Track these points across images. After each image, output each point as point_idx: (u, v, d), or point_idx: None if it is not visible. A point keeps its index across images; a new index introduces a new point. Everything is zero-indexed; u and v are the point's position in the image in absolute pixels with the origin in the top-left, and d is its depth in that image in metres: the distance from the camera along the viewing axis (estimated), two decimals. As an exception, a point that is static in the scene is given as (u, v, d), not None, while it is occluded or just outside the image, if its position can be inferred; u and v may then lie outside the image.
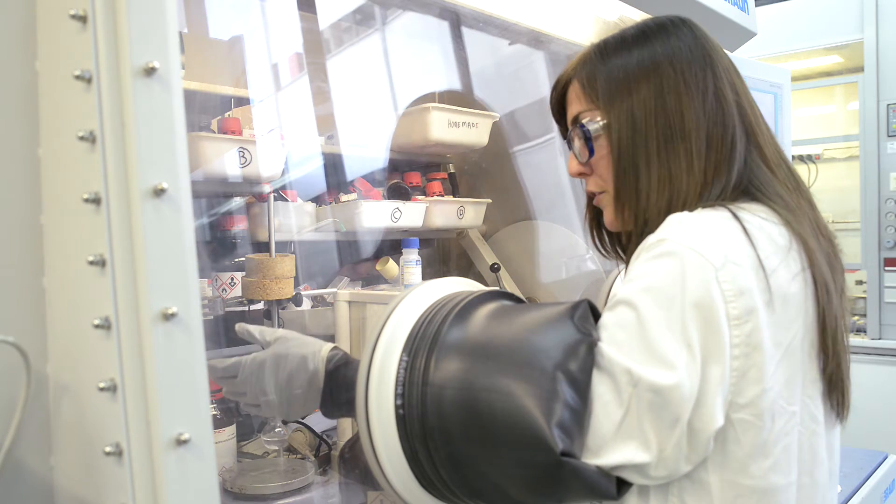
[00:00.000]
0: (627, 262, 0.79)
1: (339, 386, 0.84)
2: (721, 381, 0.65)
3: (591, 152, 0.82)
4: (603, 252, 0.92)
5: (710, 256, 0.66)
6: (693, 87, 0.77)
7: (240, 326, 0.97)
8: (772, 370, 0.67)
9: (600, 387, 0.66)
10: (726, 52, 0.83)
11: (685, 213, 0.73)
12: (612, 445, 0.64)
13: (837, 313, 0.74)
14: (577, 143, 0.83)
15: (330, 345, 0.88)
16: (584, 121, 0.82)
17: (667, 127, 0.76)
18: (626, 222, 0.80)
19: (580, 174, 0.86)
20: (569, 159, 0.87)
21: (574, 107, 0.85)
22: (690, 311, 0.65)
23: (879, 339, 2.97)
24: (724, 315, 0.65)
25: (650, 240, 0.70)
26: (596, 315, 0.71)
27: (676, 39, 0.79)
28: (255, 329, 0.95)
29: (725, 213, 0.72)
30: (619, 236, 0.90)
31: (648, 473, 0.65)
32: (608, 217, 0.85)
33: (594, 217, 0.90)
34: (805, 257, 0.72)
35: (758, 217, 0.72)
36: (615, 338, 0.67)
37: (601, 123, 0.80)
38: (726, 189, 0.76)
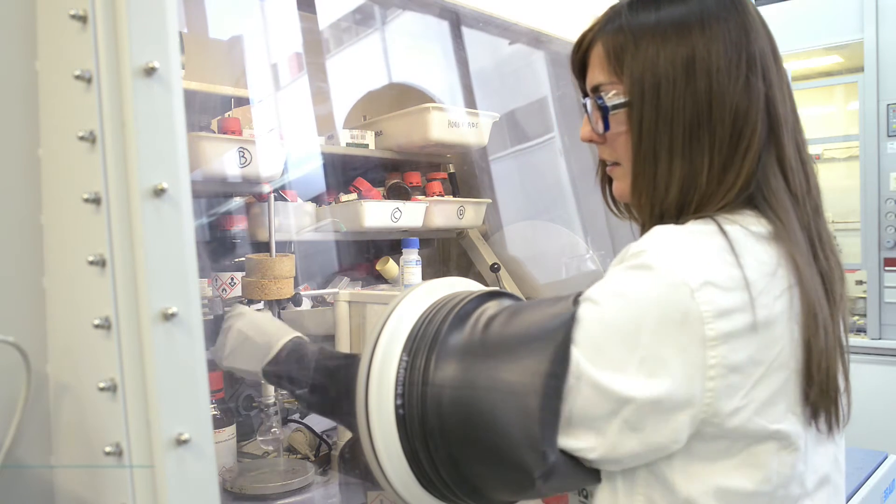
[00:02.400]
0: (642, 225, 0.78)
1: (285, 362, 0.94)
2: (686, 402, 0.64)
3: (607, 127, 0.78)
4: (615, 211, 0.88)
5: (687, 277, 0.64)
6: (724, 76, 0.72)
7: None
8: (747, 390, 0.65)
9: None
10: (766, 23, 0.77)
11: (672, 227, 0.70)
12: (564, 428, 0.66)
13: (829, 338, 0.70)
14: (594, 113, 0.79)
15: (297, 334, 0.97)
16: (603, 94, 0.77)
17: (695, 114, 0.72)
18: (643, 209, 0.77)
19: (591, 141, 0.82)
20: (583, 123, 0.82)
21: (596, 73, 0.79)
22: (653, 328, 0.63)
23: (879, 339, 2.97)
24: (698, 337, 0.63)
25: (632, 248, 0.69)
26: None
27: (717, 25, 0.73)
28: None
29: (713, 228, 0.69)
30: None
31: (588, 459, 0.67)
32: (618, 188, 0.82)
33: (606, 175, 0.86)
34: (792, 275, 0.69)
35: (748, 231, 0.70)
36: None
37: (623, 101, 0.75)
38: (731, 191, 0.72)
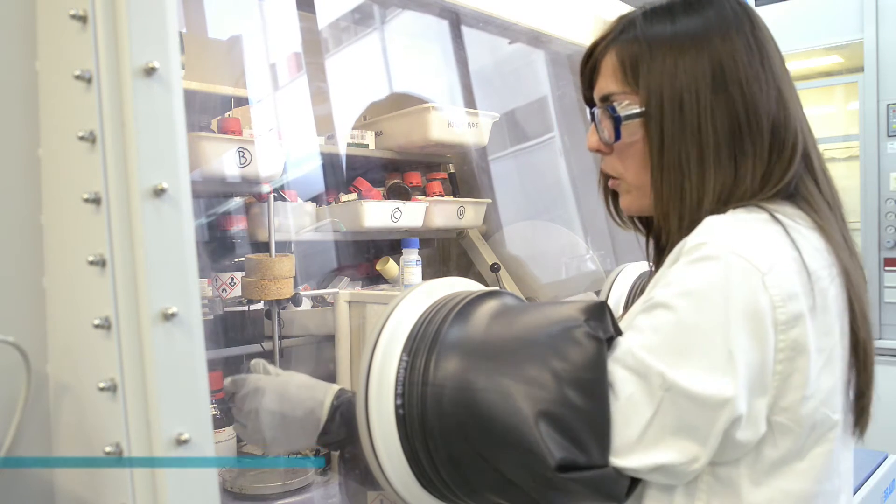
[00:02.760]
0: (648, 237, 0.77)
1: (339, 427, 0.83)
2: (763, 389, 0.64)
3: (618, 137, 0.77)
4: (618, 222, 0.87)
5: (755, 261, 0.63)
6: (755, 83, 0.72)
7: (255, 362, 0.95)
8: (815, 376, 0.65)
9: (629, 386, 0.64)
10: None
11: (723, 216, 0.69)
12: (639, 448, 0.63)
13: (870, 331, 0.72)
14: (604, 122, 0.77)
15: (335, 389, 0.86)
16: (616, 104, 0.76)
17: (732, 124, 0.71)
18: (670, 220, 0.75)
19: (599, 151, 0.81)
20: (589, 132, 0.81)
21: (607, 82, 0.78)
22: (734, 319, 0.62)
23: (879, 339, 2.97)
24: (770, 321, 0.63)
25: (689, 243, 0.67)
26: (611, 315, 0.69)
27: (737, 34, 0.73)
28: (270, 367, 0.94)
29: (764, 216, 0.69)
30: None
31: (678, 476, 0.64)
32: (625, 201, 0.81)
33: (609, 186, 0.85)
34: (839, 267, 0.70)
35: (793, 221, 0.70)
36: (649, 341, 0.64)
37: (637, 111, 0.75)
38: (770, 193, 0.72)
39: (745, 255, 0.64)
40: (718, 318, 0.62)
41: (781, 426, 0.65)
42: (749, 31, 0.74)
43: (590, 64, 0.82)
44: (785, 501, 0.66)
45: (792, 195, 0.73)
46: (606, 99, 0.78)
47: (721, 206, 0.72)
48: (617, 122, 0.76)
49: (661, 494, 0.68)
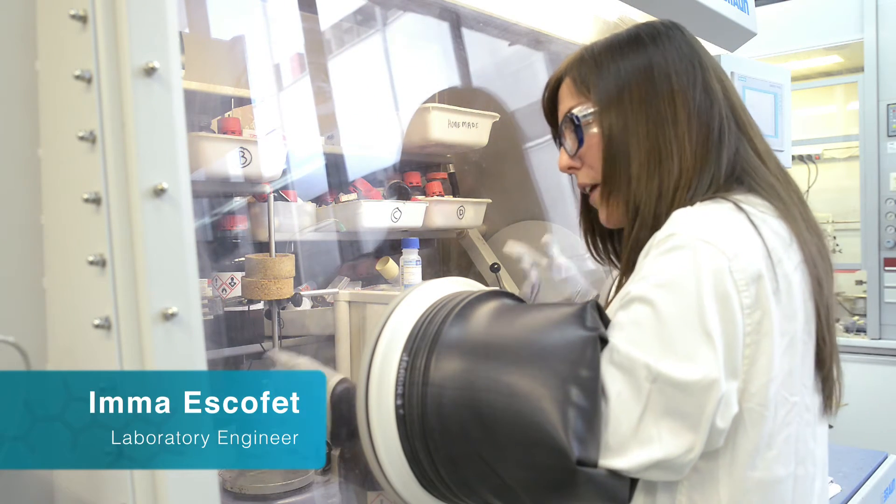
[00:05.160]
0: (624, 263, 0.79)
1: (344, 417, 0.82)
2: (735, 372, 0.65)
3: (581, 142, 0.82)
4: (598, 258, 0.92)
5: (722, 247, 0.66)
6: (683, 79, 0.78)
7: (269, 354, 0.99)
8: (778, 359, 0.68)
9: (617, 384, 0.65)
10: (724, 51, 0.84)
11: (690, 208, 0.72)
12: (634, 445, 0.64)
13: (830, 306, 0.75)
14: (568, 136, 0.84)
15: (338, 377, 0.86)
16: (574, 111, 0.82)
17: (657, 113, 0.77)
18: (617, 206, 0.80)
19: (570, 168, 0.86)
20: (559, 156, 0.87)
21: (566, 103, 0.85)
22: (708, 302, 0.65)
23: (879, 339, 2.97)
24: (737, 304, 0.65)
25: (658, 236, 0.70)
26: (602, 314, 0.70)
27: (668, 40, 0.80)
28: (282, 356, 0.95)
29: (729, 205, 0.72)
30: (614, 242, 0.91)
31: (675, 469, 0.65)
32: (604, 213, 0.84)
33: (589, 223, 0.91)
34: (801, 250, 0.73)
35: (757, 210, 0.73)
36: (631, 335, 0.66)
37: (592, 111, 0.81)
38: (717, 175, 0.76)
39: (712, 241, 0.67)
40: (693, 302, 0.65)
41: (752, 412, 0.67)
42: (682, 39, 0.81)
43: (548, 94, 0.89)
44: (758, 490, 0.69)
45: (743, 178, 0.77)
46: (567, 116, 0.83)
47: (657, 188, 0.76)
48: (577, 126, 0.82)
49: (644, 493, 0.69)
